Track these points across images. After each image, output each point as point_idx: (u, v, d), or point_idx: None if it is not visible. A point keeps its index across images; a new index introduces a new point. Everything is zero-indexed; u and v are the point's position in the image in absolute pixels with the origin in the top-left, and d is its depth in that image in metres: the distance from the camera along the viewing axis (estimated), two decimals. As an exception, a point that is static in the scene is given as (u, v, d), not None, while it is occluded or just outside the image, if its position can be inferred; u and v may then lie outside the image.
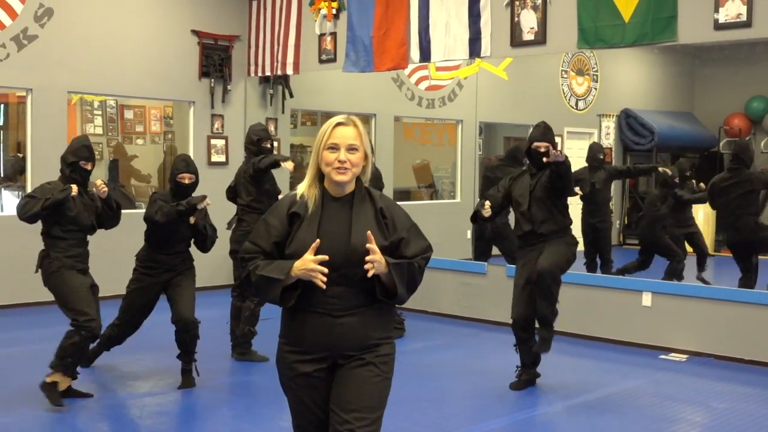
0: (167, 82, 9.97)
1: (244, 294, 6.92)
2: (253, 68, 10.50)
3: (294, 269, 2.88)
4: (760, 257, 8.55)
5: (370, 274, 2.85)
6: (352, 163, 2.95)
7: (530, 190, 5.92)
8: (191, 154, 10.29)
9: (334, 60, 9.52)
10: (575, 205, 8.11)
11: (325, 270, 2.84)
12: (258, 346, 6.88)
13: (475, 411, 5.65)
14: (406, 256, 2.98)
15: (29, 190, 8.94)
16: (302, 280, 2.89)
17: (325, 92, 11.04)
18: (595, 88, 13.31)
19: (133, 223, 7.04)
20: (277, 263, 2.93)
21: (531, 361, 6.07)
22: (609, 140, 13.34)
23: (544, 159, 5.79)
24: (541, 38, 7.84)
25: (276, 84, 10.68)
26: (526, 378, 6.09)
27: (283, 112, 10.87)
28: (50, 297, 6.47)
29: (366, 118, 11.19)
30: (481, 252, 9.27)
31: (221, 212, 7.37)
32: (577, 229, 6.74)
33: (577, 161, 11.52)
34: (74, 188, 5.43)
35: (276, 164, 6.74)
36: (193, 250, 6.21)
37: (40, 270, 5.59)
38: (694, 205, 9.65)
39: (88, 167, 5.54)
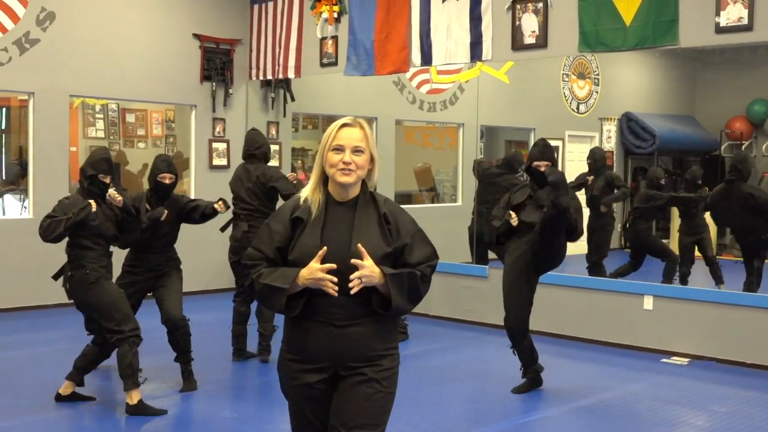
0: (169, 85, 9.99)
1: (248, 299, 6.93)
2: (254, 72, 10.51)
3: (300, 278, 2.81)
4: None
5: (353, 291, 2.77)
6: (357, 165, 2.88)
7: (529, 195, 5.88)
8: (192, 157, 10.32)
9: (335, 63, 9.53)
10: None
11: (335, 279, 2.78)
12: (253, 347, 6.89)
13: (476, 414, 5.65)
14: (409, 263, 2.91)
15: (31, 194, 8.98)
16: (308, 288, 2.82)
17: (327, 96, 11.05)
18: (597, 92, 13.31)
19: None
20: (281, 271, 2.86)
21: (530, 359, 6.05)
22: (610, 144, 13.34)
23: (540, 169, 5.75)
24: (542, 42, 7.85)
25: (277, 87, 10.69)
26: (531, 377, 6.08)
27: (284, 116, 10.88)
28: (52, 300, 6.65)
29: (367, 122, 11.16)
30: (481, 256, 9.28)
31: (226, 217, 7.35)
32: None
33: (579, 165, 11.54)
34: (93, 204, 5.40)
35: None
36: (184, 252, 6.20)
37: (69, 284, 5.42)
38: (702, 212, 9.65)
39: (107, 180, 5.50)
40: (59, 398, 5.55)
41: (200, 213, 6.26)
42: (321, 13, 9.56)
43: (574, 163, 12.38)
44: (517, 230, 5.88)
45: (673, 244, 12.84)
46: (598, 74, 13.32)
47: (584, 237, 9.39)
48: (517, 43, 8.00)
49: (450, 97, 12.36)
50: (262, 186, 6.84)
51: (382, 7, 8.96)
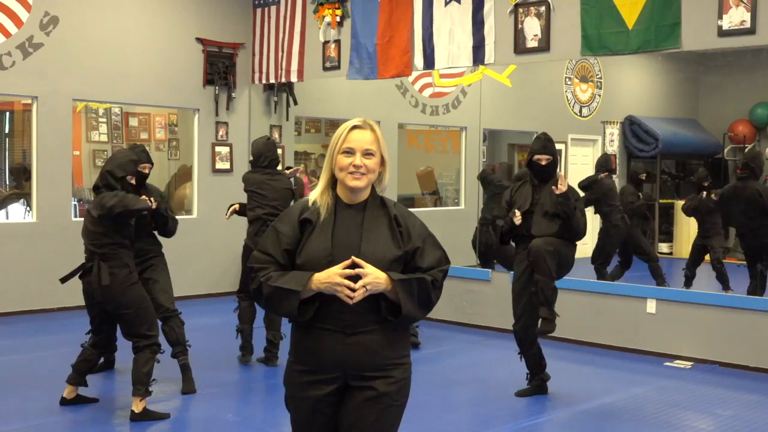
0: (172, 89, 10.00)
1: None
2: (257, 76, 10.52)
3: (315, 281, 2.71)
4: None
5: (355, 300, 2.68)
6: (367, 169, 2.79)
7: (533, 201, 5.84)
8: (195, 161, 10.33)
9: (338, 67, 9.54)
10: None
11: (353, 285, 2.68)
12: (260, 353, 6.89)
13: (480, 418, 5.64)
14: (420, 268, 2.82)
15: (35, 197, 9.00)
16: (320, 293, 2.73)
17: (330, 100, 11.06)
18: (599, 95, 13.31)
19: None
20: (293, 274, 2.76)
21: (538, 366, 6.06)
22: (613, 147, 13.33)
23: (555, 190, 5.70)
24: (544, 45, 7.85)
25: (280, 91, 10.70)
26: (537, 384, 6.08)
27: (287, 120, 10.89)
28: (56, 304, 6.64)
29: (370, 125, 11.16)
30: (486, 259, 9.27)
31: (229, 220, 7.36)
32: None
33: (582, 168, 11.54)
34: (145, 198, 5.46)
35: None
36: (187, 256, 6.22)
37: (102, 281, 5.26)
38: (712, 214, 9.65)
39: (133, 181, 5.56)
40: (64, 402, 5.55)
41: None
42: (324, 17, 9.57)
43: (576, 167, 12.38)
44: (521, 234, 5.89)
45: (677, 246, 12.87)
46: (600, 77, 13.32)
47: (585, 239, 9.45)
48: (520, 47, 8.00)
49: (453, 101, 12.36)
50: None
51: (384, 11, 8.97)
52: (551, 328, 5.83)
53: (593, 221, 9.51)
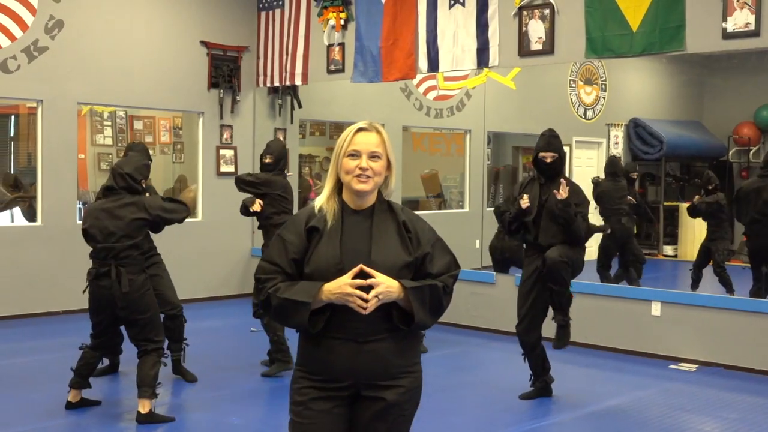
0: (176, 93, 10.02)
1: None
2: (261, 79, 10.54)
3: (326, 292, 2.64)
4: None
5: (368, 310, 2.62)
6: (374, 172, 2.72)
7: (541, 202, 5.82)
8: (200, 164, 10.35)
9: (342, 70, 9.55)
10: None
11: (365, 295, 2.62)
12: (255, 357, 6.90)
13: (484, 421, 5.64)
14: (431, 273, 2.77)
15: (40, 201, 9.02)
16: (332, 303, 2.66)
17: (334, 102, 11.07)
18: (604, 98, 13.30)
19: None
20: (302, 285, 2.69)
21: (541, 368, 6.05)
22: (618, 149, 13.32)
23: (557, 197, 5.68)
24: (549, 48, 7.86)
25: (285, 94, 10.71)
26: (540, 386, 6.07)
27: (291, 123, 10.90)
28: (60, 307, 6.63)
29: (374, 128, 11.16)
30: (503, 266, 9.15)
31: (234, 223, 7.36)
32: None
33: (586, 170, 11.53)
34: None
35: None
36: (191, 260, 6.25)
37: (122, 287, 5.27)
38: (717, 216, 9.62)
39: (144, 185, 5.61)
40: (69, 406, 5.56)
41: None
42: (328, 20, 9.58)
43: (581, 169, 12.37)
44: (529, 242, 5.91)
45: (682, 248, 12.85)
46: (605, 80, 13.31)
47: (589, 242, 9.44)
48: (524, 50, 8.01)
49: (457, 104, 12.37)
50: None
51: (388, 14, 8.98)
52: (564, 343, 5.87)
53: (597, 223, 9.51)
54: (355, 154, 2.73)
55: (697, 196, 9.70)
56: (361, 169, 2.71)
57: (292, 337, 5.99)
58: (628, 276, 9.52)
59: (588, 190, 9.63)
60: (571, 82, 12.81)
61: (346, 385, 2.74)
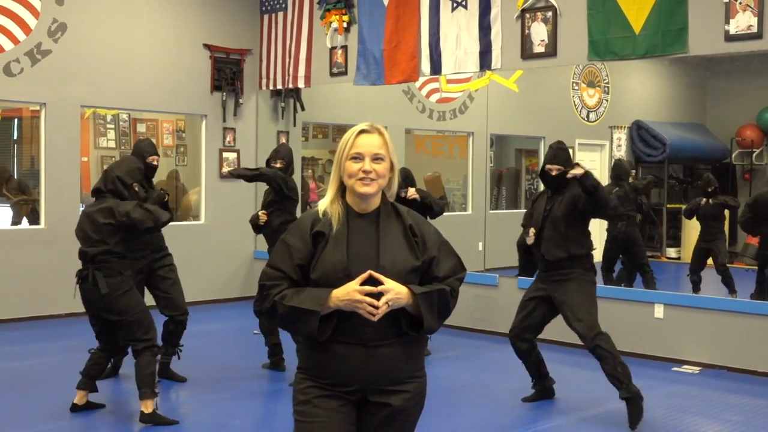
0: (179, 95, 10.03)
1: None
2: (264, 81, 10.55)
3: (333, 299, 2.59)
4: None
5: (377, 317, 2.58)
6: (377, 174, 2.68)
7: (545, 214, 5.71)
8: (203, 167, 10.36)
9: (345, 73, 9.56)
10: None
11: (375, 302, 2.58)
12: (257, 359, 6.90)
13: (486, 423, 5.63)
14: (437, 277, 2.74)
15: (43, 204, 9.03)
16: (339, 310, 2.62)
17: (337, 105, 11.08)
18: (607, 100, 13.30)
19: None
20: (309, 292, 2.64)
21: (538, 373, 6.04)
22: (620, 152, 13.31)
23: (568, 175, 5.49)
24: (551, 50, 7.86)
25: (287, 97, 10.72)
26: (540, 389, 6.07)
27: (294, 125, 10.91)
28: (65, 310, 6.63)
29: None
30: (524, 264, 9.08)
31: (237, 226, 7.37)
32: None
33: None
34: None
35: None
36: (195, 263, 6.27)
37: (95, 290, 5.33)
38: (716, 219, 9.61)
39: (137, 188, 5.61)
40: (75, 408, 5.56)
41: None
42: (331, 22, 9.60)
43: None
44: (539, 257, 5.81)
45: (685, 251, 12.83)
46: (608, 82, 13.31)
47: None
48: (527, 52, 8.01)
49: (459, 106, 12.37)
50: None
51: (391, 17, 8.99)
52: (639, 415, 5.44)
53: (602, 225, 9.50)
54: (357, 157, 2.68)
55: (704, 200, 9.64)
56: (364, 172, 2.67)
57: (287, 341, 6.04)
58: (630, 280, 9.51)
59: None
60: (574, 85, 12.81)
61: (353, 389, 2.70)
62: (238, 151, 10.52)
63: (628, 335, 7.60)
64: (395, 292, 2.61)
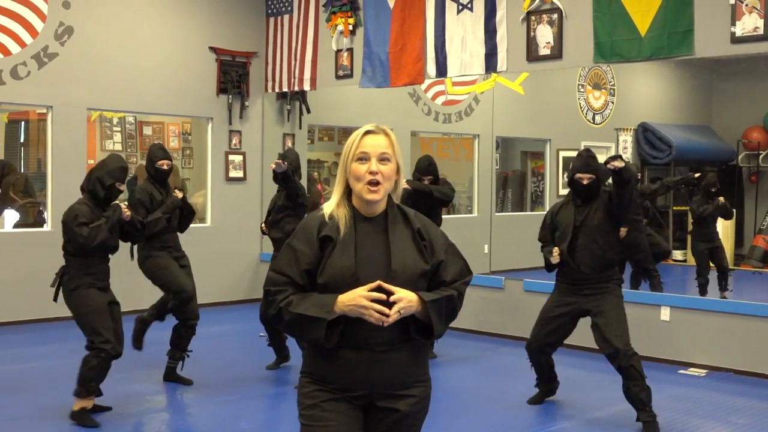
0: (185, 98, 10.05)
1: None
2: (270, 84, 10.56)
3: (339, 305, 2.56)
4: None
5: (387, 323, 2.55)
6: (384, 176, 2.63)
7: (576, 224, 5.54)
8: (209, 170, 10.38)
9: (350, 76, 9.56)
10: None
11: (383, 309, 2.54)
12: (259, 362, 6.90)
13: (492, 426, 5.63)
14: (444, 281, 2.72)
15: (50, 206, 9.05)
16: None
17: (342, 108, 11.09)
18: (612, 102, 13.29)
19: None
20: (314, 298, 2.60)
21: (548, 377, 6.03)
22: (626, 154, 13.31)
23: (608, 166, 5.30)
24: (557, 53, 7.86)
25: (293, 100, 10.74)
26: (544, 389, 6.05)
27: (300, 128, 10.92)
28: (65, 313, 6.50)
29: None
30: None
31: (243, 229, 7.38)
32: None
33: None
34: (122, 206, 5.48)
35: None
36: (201, 265, 6.28)
37: (60, 288, 5.57)
38: (716, 220, 9.62)
39: (122, 188, 5.62)
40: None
41: None
42: (336, 25, 9.61)
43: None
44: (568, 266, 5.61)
45: (690, 253, 12.81)
46: (613, 84, 13.31)
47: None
48: (532, 55, 8.01)
49: (465, 109, 12.38)
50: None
51: (397, 20, 8.99)
52: None
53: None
54: (363, 158, 2.64)
55: (717, 200, 9.59)
56: (371, 173, 2.62)
57: (291, 344, 6.05)
58: (636, 283, 9.48)
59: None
60: (580, 87, 12.81)
61: (360, 394, 2.67)
62: (244, 154, 10.54)
63: (634, 338, 7.53)
64: (407, 300, 2.58)
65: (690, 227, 10.27)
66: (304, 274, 2.64)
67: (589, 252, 5.52)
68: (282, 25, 10.36)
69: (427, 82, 9.32)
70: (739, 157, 13.60)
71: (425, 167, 7.25)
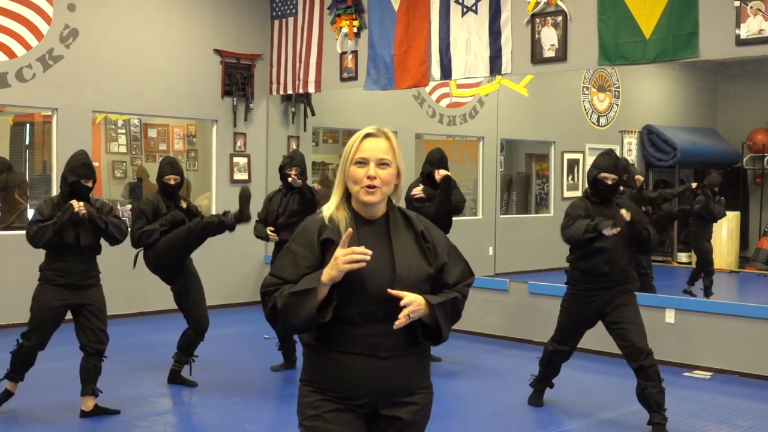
0: (190, 100, 10.07)
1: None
2: (275, 87, 10.58)
3: (325, 275, 2.49)
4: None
5: (396, 326, 2.51)
6: (382, 181, 2.58)
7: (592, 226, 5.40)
8: (213, 172, 10.39)
9: (355, 78, 9.57)
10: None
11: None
12: (263, 364, 6.90)
13: (495, 428, 5.63)
14: (447, 283, 2.70)
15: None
16: (345, 317, 2.56)
17: (347, 110, 11.10)
18: (617, 105, 13.28)
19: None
20: (304, 279, 2.55)
21: (548, 377, 6.03)
22: (631, 157, 13.29)
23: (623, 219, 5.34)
24: (561, 55, 7.86)
25: (298, 102, 10.75)
26: (540, 388, 6.04)
27: (305, 130, 10.94)
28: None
29: (387, 136, 11.18)
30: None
31: (248, 231, 7.41)
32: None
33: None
34: (75, 203, 5.40)
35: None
36: (206, 266, 6.30)
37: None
38: (718, 221, 9.62)
39: (89, 184, 5.57)
40: (83, 415, 5.57)
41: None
42: (341, 27, 9.62)
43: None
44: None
45: (695, 255, 12.79)
46: (618, 87, 13.30)
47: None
48: (537, 57, 8.01)
49: (470, 111, 12.38)
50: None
51: (401, 22, 9.00)
52: None
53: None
54: (362, 162, 2.59)
55: (720, 200, 9.62)
56: (369, 178, 2.57)
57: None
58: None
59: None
60: (584, 89, 12.80)
61: (364, 402, 2.63)
62: (248, 156, 10.55)
63: (638, 340, 7.57)
64: (417, 303, 2.54)
65: (689, 226, 10.23)
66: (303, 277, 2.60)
67: (618, 252, 5.48)
68: (287, 28, 10.38)
69: (431, 84, 9.32)
70: (744, 160, 13.57)
71: (437, 160, 7.15)
